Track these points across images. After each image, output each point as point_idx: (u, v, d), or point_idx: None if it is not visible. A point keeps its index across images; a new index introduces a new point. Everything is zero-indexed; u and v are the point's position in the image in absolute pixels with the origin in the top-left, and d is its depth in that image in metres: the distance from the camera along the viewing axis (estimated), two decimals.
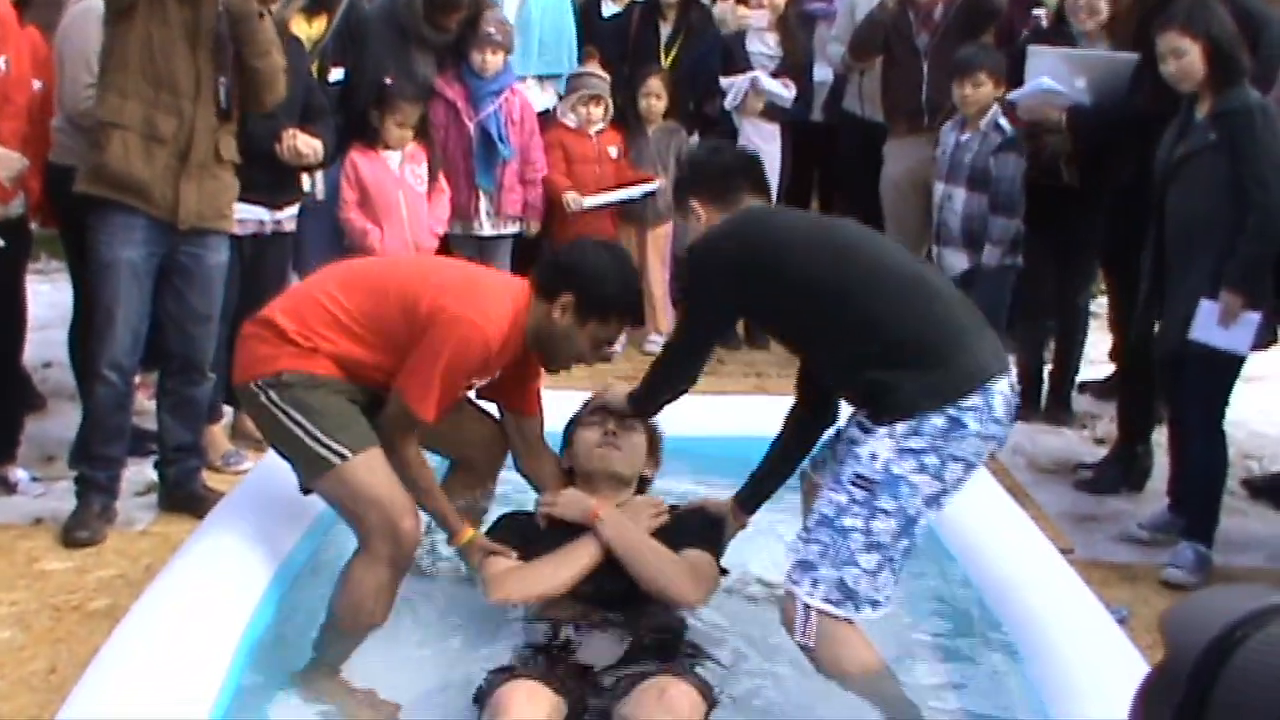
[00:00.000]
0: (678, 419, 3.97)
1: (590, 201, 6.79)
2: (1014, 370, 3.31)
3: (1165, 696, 1.03)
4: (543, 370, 3.84)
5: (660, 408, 3.78)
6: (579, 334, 3.58)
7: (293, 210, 5.37)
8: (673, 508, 3.78)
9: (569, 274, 3.58)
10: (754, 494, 3.73)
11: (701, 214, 3.53)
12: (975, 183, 5.72)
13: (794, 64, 7.25)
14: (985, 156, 5.69)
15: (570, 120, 6.89)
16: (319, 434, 3.42)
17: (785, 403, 3.74)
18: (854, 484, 3.13)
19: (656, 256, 7.10)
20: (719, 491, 3.94)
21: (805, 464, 3.70)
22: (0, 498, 4.95)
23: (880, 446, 3.11)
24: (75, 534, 4.52)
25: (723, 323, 3.67)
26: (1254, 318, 4.45)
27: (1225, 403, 4.72)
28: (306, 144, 5.07)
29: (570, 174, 6.85)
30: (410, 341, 3.46)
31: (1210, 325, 4.49)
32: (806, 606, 3.14)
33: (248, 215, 5.06)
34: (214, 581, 3.43)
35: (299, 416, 3.44)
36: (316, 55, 5.44)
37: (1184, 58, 4.50)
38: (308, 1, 5.20)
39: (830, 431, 3.69)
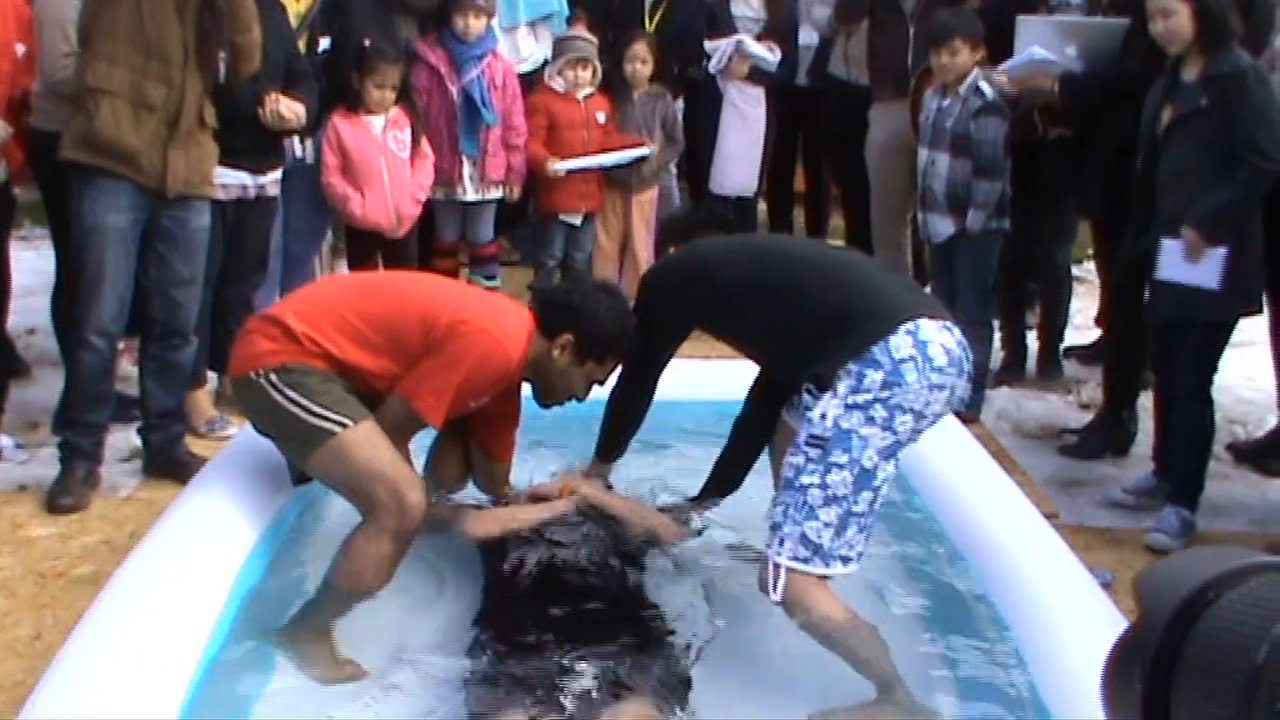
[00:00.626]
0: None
1: (572, 165, 6.74)
2: (982, 332, 3.42)
3: (1136, 655, 1.04)
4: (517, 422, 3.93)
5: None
6: (576, 373, 3.68)
7: (276, 174, 5.34)
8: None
9: (569, 315, 3.65)
10: (719, 487, 3.99)
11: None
12: (958, 148, 5.70)
13: (779, 27, 7.21)
14: (966, 121, 5.67)
15: (558, 84, 6.83)
16: (316, 408, 3.39)
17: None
18: (808, 444, 3.24)
19: (642, 221, 7.05)
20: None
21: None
22: None
23: (828, 406, 3.23)
24: (59, 500, 4.51)
25: (670, 335, 3.80)
26: (1219, 252, 4.45)
27: (1214, 369, 4.74)
28: (289, 108, 5.04)
29: (557, 139, 6.78)
30: (423, 353, 3.48)
31: (1175, 263, 4.50)
32: (776, 565, 3.23)
33: (231, 180, 5.04)
34: (198, 547, 3.42)
35: (296, 395, 3.41)
36: (305, 25, 5.41)
37: (1172, 17, 4.49)
38: None
39: None
